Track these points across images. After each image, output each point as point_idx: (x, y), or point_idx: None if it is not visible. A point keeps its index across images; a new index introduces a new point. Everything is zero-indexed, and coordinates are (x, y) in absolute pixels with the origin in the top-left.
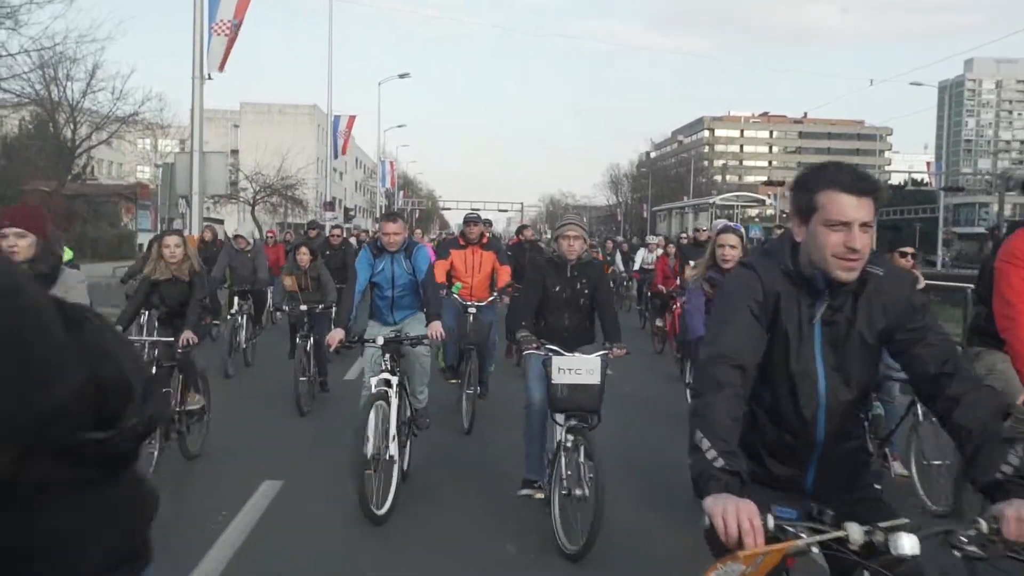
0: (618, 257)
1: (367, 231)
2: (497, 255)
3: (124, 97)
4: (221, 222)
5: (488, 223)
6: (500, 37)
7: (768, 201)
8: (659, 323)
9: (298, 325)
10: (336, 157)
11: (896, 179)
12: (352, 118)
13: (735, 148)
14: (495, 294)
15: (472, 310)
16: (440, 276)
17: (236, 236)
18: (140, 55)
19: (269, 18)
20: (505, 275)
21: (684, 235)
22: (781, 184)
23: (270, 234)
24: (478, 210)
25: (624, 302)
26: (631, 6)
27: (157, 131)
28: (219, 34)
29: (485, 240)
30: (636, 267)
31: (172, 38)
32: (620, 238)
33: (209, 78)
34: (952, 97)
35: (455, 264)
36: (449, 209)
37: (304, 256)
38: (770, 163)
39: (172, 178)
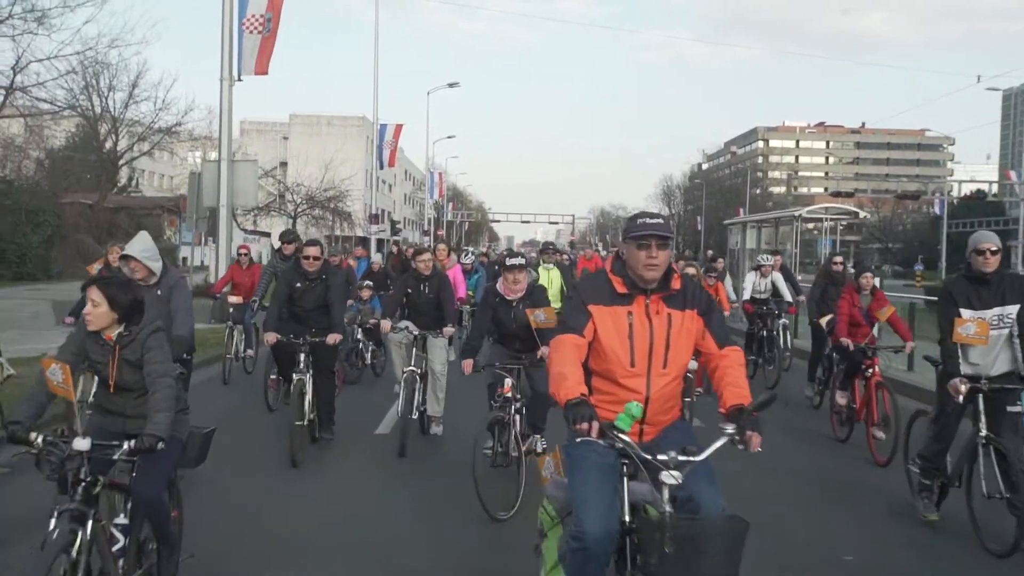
0: (728, 282)
1: (413, 244)
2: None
3: (167, 107)
4: (268, 235)
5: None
6: (551, 47)
7: (863, 214)
8: (842, 397)
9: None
10: (382, 168)
11: (958, 190)
12: (399, 127)
13: (790, 159)
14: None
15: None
16: (564, 375)
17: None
18: (182, 62)
19: (321, 29)
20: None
21: (837, 259)
22: (851, 195)
23: (243, 251)
24: (528, 221)
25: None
26: (683, 16)
27: (206, 143)
28: (251, 31)
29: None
30: (747, 296)
31: (213, 41)
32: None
33: (239, 79)
34: (1017, 105)
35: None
36: (498, 221)
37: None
38: (826, 174)
39: (199, 189)
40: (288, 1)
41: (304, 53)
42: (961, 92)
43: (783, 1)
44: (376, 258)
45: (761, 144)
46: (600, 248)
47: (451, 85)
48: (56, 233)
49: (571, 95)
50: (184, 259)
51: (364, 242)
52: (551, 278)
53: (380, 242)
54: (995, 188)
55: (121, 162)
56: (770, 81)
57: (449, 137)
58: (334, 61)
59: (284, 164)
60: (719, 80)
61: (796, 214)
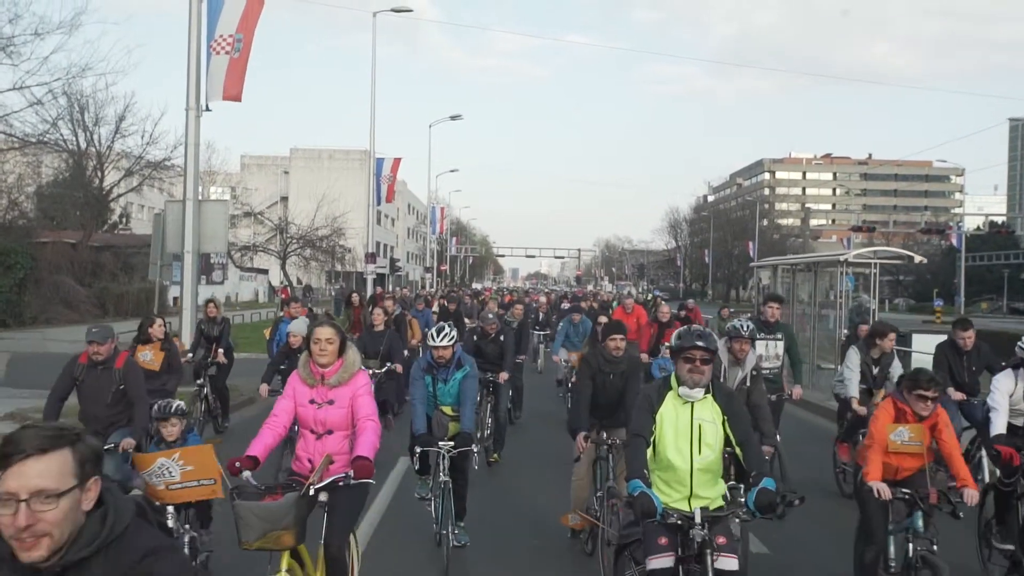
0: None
1: (430, 293)
2: None
3: (155, 141)
4: (265, 272)
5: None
6: (557, 82)
7: (918, 259)
8: None
9: None
10: (379, 203)
11: (969, 222)
12: (397, 161)
13: (797, 191)
14: None
15: None
16: None
17: None
18: (171, 94)
19: (324, 63)
20: None
21: None
22: (872, 230)
23: None
24: (533, 256)
25: None
26: (689, 50)
27: (204, 178)
28: (218, 52)
29: None
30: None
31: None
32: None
33: (208, 109)
34: None
35: None
36: (503, 256)
37: None
38: (833, 206)
39: (163, 232)
40: (296, 36)
41: (310, 88)
42: (969, 123)
43: (789, 34)
44: (297, 327)
45: (767, 176)
46: (607, 282)
47: (453, 118)
48: (31, 275)
49: (576, 128)
50: (175, 299)
51: (361, 282)
52: (706, 437)
53: (380, 278)
54: (1003, 220)
55: (110, 198)
56: (776, 113)
57: (452, 171)
58: (340, 95)
59: (285, 199)
60: (725, 112)
61: (842, 258)
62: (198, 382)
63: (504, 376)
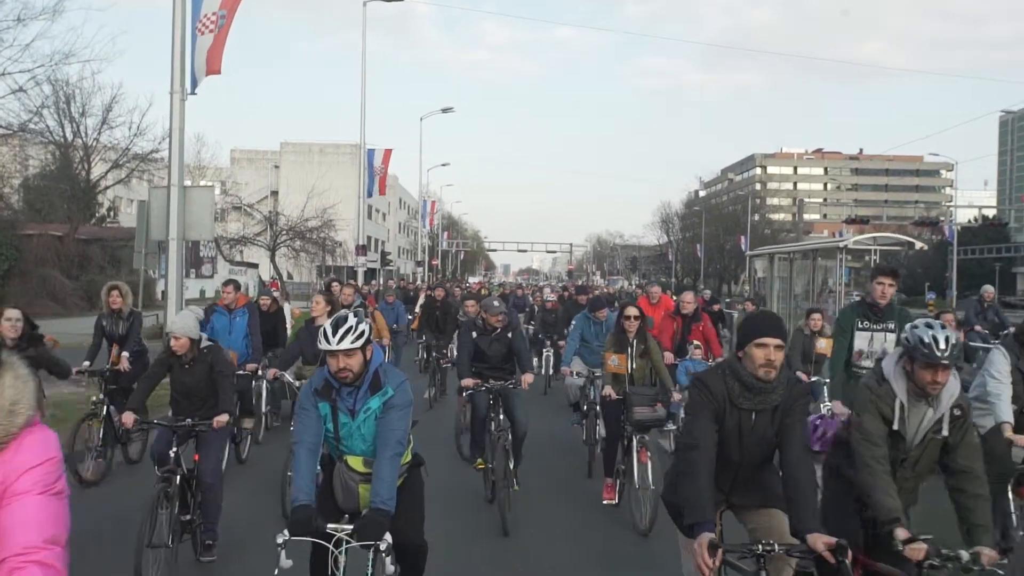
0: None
1: (405, 278)
2: None
3: (142, 133)
4: (256, 266)
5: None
6: (549, 77)
7: (919, 245)
8: None
9: None
10: (370, 196)
11: (960, 215)
12: (388, 152)
13: (788, 186)
14: None
15: None
16: None
17: None
18: (158, 84)
19: (315, 58)
20: None
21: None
22: (866, 222)
23: None
24: (524, 250)
25: None
26: (681, 43)
27: (195, 171)
28: (203, 32)
29: None
30: None
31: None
32: None
33: (194, 93)
34: (1015, 131)
35: None
36: (495, 250)
37: None
38: (824, 200)
39: (148, 219)
40: (286, 30)
41: (301, 82)
42: (960, 115)
43: (781, 29)
44: (181, 324)
45: (759, 171)
46: (599, 277)
47: (444, 111)
48: (16, 268)
49: (568, 123)
50: (164, 292)
51: (352, 276)
52: None
53: (371, 272)
54: (992, 213)
55: (97, 191)
56: (767, 107)
57: (444, 165)
58: (330, 90)
59: (275, 193)
60: (717, 107)
61: (840, 245)
62: (92, 400)
63: (529, 379)
